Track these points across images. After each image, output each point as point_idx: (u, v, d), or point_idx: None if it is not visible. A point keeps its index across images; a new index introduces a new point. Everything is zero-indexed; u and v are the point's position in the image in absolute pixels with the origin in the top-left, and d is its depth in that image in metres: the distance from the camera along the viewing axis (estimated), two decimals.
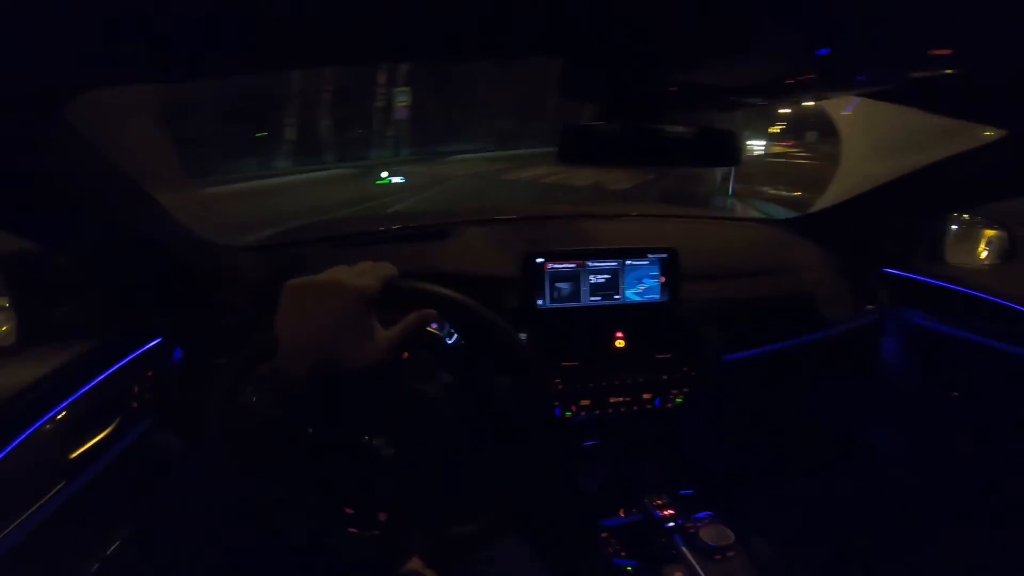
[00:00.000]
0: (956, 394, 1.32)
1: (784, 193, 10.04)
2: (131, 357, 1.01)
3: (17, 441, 0.79)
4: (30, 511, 0.79)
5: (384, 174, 11.65)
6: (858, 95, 1.11)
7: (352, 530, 0.81)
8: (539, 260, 1.20)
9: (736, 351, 1.31)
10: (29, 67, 0.54)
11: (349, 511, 0.87)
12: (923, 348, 1.39)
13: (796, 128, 17.41)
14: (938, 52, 0.57)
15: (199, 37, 0.51)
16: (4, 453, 0.76)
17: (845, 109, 1.39)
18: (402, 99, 15.87)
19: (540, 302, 1.20)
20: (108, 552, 0.93)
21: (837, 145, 1.50)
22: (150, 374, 1.04)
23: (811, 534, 1.21)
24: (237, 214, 7.10)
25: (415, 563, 0.78)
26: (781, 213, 1.66)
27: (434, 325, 0.83)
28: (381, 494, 0.79)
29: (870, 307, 1.43)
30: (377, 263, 0.64)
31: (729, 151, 0.85)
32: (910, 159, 1.23)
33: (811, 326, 1.39)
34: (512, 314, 1.19)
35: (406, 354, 0.67)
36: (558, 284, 1.21)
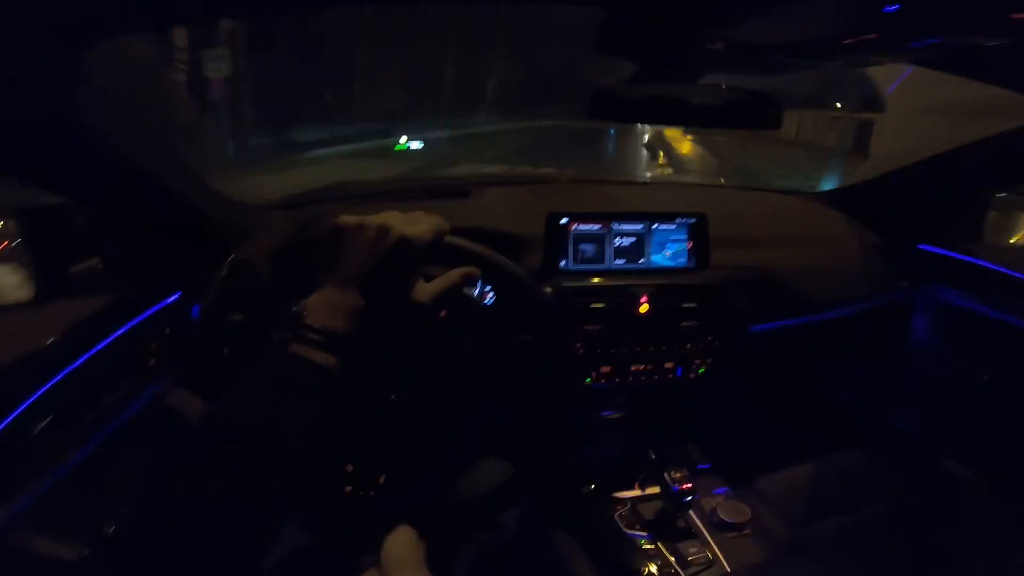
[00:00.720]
0: (987, 376, 1.29)
1: None
2: (149, 313, 1.00)
3: (34, 397, 0.78)
4: (46, 470, 0.79)
5: (403, 139, 11.23)
6: (913, 62, 1.05)
7: (348, 489, 0.81)
8: (563, 220, 1.17)
9: (764, 322, 1.28)
10: (48, 14, 0.52)
11: (350, 468, 0.87)
12: (955, 327, 1.35)
13: None
14: (1019, 16, 0.51)
15: None
16: (21, 409, 0.76)
17: (893, 80, 1.32)
18: (216, 67, 9.54)
19: (563, 263, 1.18)
20: (123, 513, 0.94)
21: None
22: (168, 331, 1.03)
23: (826, 514, 1.19)
24: None
25: (404, 533, 0.77)
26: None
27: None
28: (390, 452, 0.78)
29: (904, 283, 1.39)
30: (431, 215, 0.62)
31: (770, 115, 0.81)
32: (955, 133, 1.17)
33: (843, 300, 1.35)
34: (534, 275, 1.17)
35: (443, 312, 0.65)
36: (582, 245, 1.18)
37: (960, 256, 1.33)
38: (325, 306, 0.55)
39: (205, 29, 9.56)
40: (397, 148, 10.94)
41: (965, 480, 1.23)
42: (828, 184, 1.56)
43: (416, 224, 0.59)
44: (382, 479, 0.86)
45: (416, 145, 11.05)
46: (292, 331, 0.54)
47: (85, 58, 0.66)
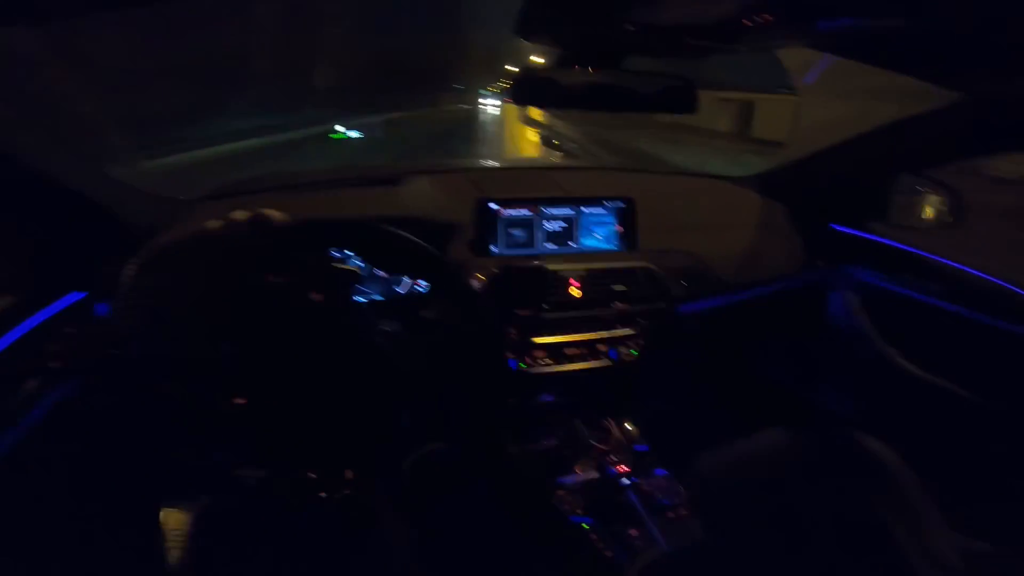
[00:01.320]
0: (898, 351, 1.36)
1: None
2: (50, 313, 0.94)
3: None
4: None
5: (339, 128, 10.81)
6: (811, 46, 1.10)
7: (322, 494, 0.79)
8: (492, 206, 1.17)
9: (691, 302, 1.31)
10: None
11: (312, 475, 0.84)
12: (868, 305, 1.43)
13: None
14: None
15: None
16: None
17: (808, 71, 1.38)
18: None
19: (493, 249, 1.18)
20: (29, 520, 0.88)
21: None
22: (71, 331, 0.97)
23: (760, 493, 1.24)
24: None
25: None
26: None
27: (337, 255, 0.80)
28: (332, 447, 0.76)
29: (819, 263, 1.46)
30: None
31: (685, 98, 0.85)
32: (867, 120, 1.23)
33: (761, 279, 1.40)
34: (464, 262, 1.17)
35: (317, 296, 0.63)
36: (511, 230, 1.19)
37: (870, 236, 1.40)
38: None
39: None
40: (334, 136, 10.58)
41: (888, 459, 1.30)
42: (748, 169, 1.62)
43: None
44: (350, 474, 0.84)
45: (354, 134, 10.71)
46: None
47: None
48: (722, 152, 10.08)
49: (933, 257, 1.27)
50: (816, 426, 1.37)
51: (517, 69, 0.84)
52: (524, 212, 1.19)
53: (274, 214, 0.61)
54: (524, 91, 0.82)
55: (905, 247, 1.33)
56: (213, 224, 0.58)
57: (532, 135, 14.53)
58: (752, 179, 1.59)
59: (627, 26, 0.70)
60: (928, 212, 1.43)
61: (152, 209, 1.12)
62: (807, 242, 1.46)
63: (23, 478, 0.87)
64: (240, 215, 0.60)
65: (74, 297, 0.98)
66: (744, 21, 0.65)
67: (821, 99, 1.43)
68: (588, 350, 1.24)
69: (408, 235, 0.68)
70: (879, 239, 1.38)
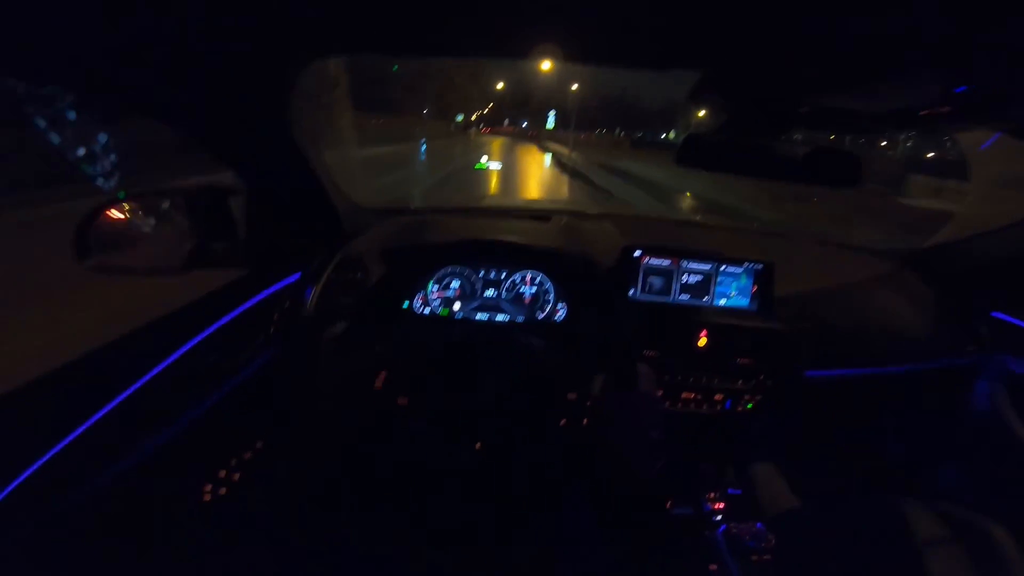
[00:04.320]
0: None
1: None
2: (275, 288, 1.14)
3: (178, 354, 0.92)
4: (179, 415, 0.91)
5: (484, 159, 13.32)
6: (994, 129, 1.08)
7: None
8: (637, 253, 1.25)
9: (822, 369, 1.30)
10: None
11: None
12: (1017, 396, 1.33)
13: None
14: None
15: None
16: (167, 363, 0.90)
17: (980, 145, 1.33)
18: None
19: (632, 292, 1.26)
20: (234, 465, 1.06)
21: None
22: (287, 305, 1.17)
23: (851, 559, 1.18)
24: None
25: None
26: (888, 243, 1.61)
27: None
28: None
29: (971, 348, 1.38)
30: None
31: (851, 172, 0.85)
32: None
33: (905, 358, 1.36)
34: (603, 301, 1.25)
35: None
36: (651, 278, 1.26)
37: None
38: None
39: None
40: (477, 167, 12.45)
41: (1003, 546, 1.19)
42: (903, 243, 1.57)
43: None
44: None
45: (495, 166, 12.34)
46: None
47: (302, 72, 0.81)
48: None
49: None
50: (926, 504, 1.29)
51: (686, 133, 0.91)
52: (665, 262, 1.26)
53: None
54: (685, 154, 0.89)
55: None
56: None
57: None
58: (902, 253, 1.54)
59: (802, 108, 0.76)
60: None
61: (352, 213, 1.31)
62: (959, 325, 1.39)
63: (231, 422, 1.05)
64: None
65: (293, 278, 1.18)
66: (922, 112, 0.68)
67: (995, 172, 1.35)
68: (704, 397, 1.27)
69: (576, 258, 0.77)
70: None
